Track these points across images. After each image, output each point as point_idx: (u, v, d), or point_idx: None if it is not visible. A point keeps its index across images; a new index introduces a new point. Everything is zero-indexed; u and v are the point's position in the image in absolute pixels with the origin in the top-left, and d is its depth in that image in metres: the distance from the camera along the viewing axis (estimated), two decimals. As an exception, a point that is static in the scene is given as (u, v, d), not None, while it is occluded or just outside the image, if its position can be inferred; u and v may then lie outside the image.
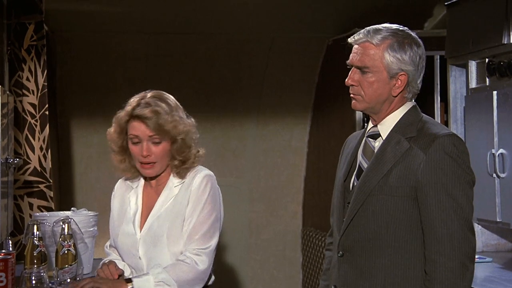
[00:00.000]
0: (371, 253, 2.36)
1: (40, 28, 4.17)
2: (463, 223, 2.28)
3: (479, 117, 3.96)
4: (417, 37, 2.42)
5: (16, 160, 3.62)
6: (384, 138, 2.41)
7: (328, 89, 5.78)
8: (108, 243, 2.99)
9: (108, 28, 5.41)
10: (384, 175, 2.34)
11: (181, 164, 2.79)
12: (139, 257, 2.78)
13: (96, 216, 3.59)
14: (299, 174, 6.14)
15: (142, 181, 2.89)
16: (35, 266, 2.89)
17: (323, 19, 5.49)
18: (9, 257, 2.83)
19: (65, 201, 5.48)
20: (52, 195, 4.17)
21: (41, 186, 4.14)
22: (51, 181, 4.18)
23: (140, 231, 2.80)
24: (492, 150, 3.81)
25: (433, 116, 4.97)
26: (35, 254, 2.93)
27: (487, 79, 3.96)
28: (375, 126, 2.45)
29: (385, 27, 2.41)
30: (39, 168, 4.14)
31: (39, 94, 4.15)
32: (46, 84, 4.18)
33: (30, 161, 4.12)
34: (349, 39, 2.43)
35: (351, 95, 2.43)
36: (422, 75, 2.43)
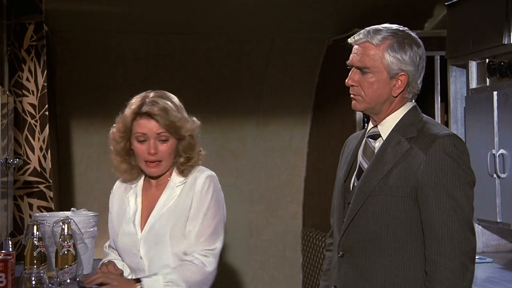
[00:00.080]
0: (371, 254, 2.35)
1: (40, 28, 4.17)
2: (464, 223, 2.27)
3: (480, 118, 3.96)
4: (417, 37, 2.42)
5: (16, 161, 3.62)
6: (384, 139, 2.41)
7: (328, 89, 5.78)
8: (107, 244, 3.00)
9: (108, 28, 5.41)
10: (384, 175, 2.34)
11: (186, 161, 2.80)
12: (140, 257, 2.78)
13: (96, 216, 3.58)
14: (299, 174, 6.13)
15: (141, 180, 2.89)
16: (35, 266, 2.88)
17: (323, 19, 5.49)
18: (9, 257, 2.83)
19: (65, 202, 5.48)
20: (52, 196, 4.17)
21: (41, 187, 4.14)
22: (51, 181, 4.18)
23: (141, 231, 2.79)
24: (493, 150, 3.81)
25: (433, 116, 4.97)
26: (35, 255, 2.92)
27: (487, 80, 3.96)
28: (375, 126, 2.45)
29: (385, 27, 2.41)
30: (39, 169, 4.14)
31: (39, 95, 4.15)
32: (46, 84, 4.17)
33: (30, 162, 4.12)
34: (349, 39, 2.43)
35: (351, 96, 2.43)
36: (422, 75, 2.43)
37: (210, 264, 2.72)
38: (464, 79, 4.29)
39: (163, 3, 5.11)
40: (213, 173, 2.83)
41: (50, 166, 4.17)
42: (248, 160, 6.06)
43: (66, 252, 2.94)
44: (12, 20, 4.12)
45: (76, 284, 2.90)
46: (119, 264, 2.84)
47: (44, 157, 4.14)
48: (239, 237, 5.97)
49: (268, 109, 5.99)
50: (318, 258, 5.66)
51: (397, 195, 2.32)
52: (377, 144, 2.43)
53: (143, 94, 2.82)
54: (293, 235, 6.13)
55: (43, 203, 4.13)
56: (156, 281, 2.67)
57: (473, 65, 4.11)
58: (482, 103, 3.94)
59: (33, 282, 2.77)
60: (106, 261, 2.86)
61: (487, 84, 3.96)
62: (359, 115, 5.15)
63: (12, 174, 3.77)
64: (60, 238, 2.97)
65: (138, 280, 2.69)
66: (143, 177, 2.89)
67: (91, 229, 3.53)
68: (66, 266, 2.92)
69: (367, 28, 2.42)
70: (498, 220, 3.80)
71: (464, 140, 3.61)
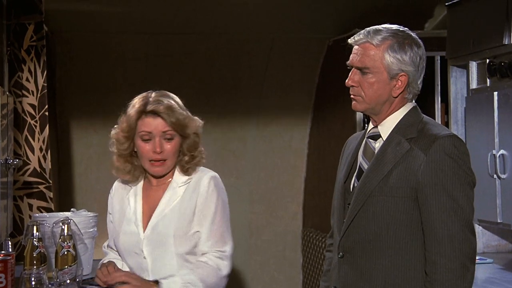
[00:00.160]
0: (371, 254, 2.35)
1: (40, 28, 4.17)
2: (464, 224, 2.27)
3: (480, 118, 3.96)
4: (417, 37, 2.41)
5: (16, 161, 3.62)
6: (384, 139, 2.40)
7: (328, 90, 5.78)
8: (106, 243, 2.99)
9: (108, 28, 5.41)
10: (385, 176, 2.34)
11: (190, 160, 2.80)
12: (144, 256, 2.77)
13: (96, 217, 3.58)
14: (299, 175, 6.13)
15: (141, 181, 2.89)
16: (35, 267, 2.88)
17: (323, 20, 5.48)
18: (9, 258, 2.83)
19: (64, 202, 5.48)
20: (51, 196, 4.17)
21: (41, 187, 4.14)
22: (51, 182, 4.18)
23: (143, 231, 2.79)
24: (493, 151, 3.81)
25: (433, 117, 4.96)
26: (34, 255, 2.92)
27: (487, 80, 3.95)
28: (376, 127, 2.45)
29: (385, 27, 2.41)
30: (38, 169, 4.13)
31: (38, 95, 4.14)
32: (45, 84, 4.17)
33: (29, 162, 4.12)
34: (349, 40, 2.43)
35: (352, 96, 2.43)
36: (422, 75, 2.42)
37: (225, 268, 2.75)
38: (465, 80, 4.29)
39: (163, 3, 5.11)
40: (216, 173, 2.84)
41: (50, 167, 4.17)
42: (248, 161, 6.06)
43: (66, 253, 2.93)
44: (12, 20, 4.12)
45: (76, 285, 2.90)
46: (119, 264, 2.84)
47: (44, 157, 4.14)
48: (239, 238, 5.95)
49: (268, 109, 5.99)
50: (318, 258, 5.66)
51: (397, 195, 2.32)
52: (377, 145, 2.43)
53: (144, 94, 2.82)
54: (293, 235, 6.12)
55: (43, 204, 4.13)
56: (175, 282, 2.68)
57: (473, 66, 4.10)
58: (482, 103, 3.93)
59: (33, 283, 2.77)
60: (106, 261, 2.86)
61: (488, 85, 3.96)
62: (359, 115, 5.15)
63: (12, 175, 3.77)
64: (60, 238, 2.97)
65: (156, 282, 2.69)
66: (143, 177, 2.89)
67: (91, 230, 3.52)
68: (66, 266, 2.92)
69: (367, 29, 2.41)
70: (499, 221, 3.80)
71: (464, 140, 3.62)
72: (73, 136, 5.71)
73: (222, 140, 5.94)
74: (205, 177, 2.80)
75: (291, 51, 5.81)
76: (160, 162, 2.77)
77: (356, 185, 2.42)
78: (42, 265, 2.91)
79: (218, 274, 2.73)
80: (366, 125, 2.57)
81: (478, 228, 4.11)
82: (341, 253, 2.42)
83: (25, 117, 4.12)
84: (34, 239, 2.94)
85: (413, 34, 2.42)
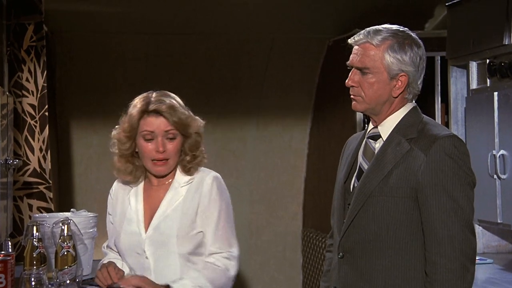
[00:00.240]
0: (371, 255, 2.35)
1: (40, 28, 4.17)
2: (464, 224, 2.27)
3: (480, 118, 3.96)
4: (417, 37, 2.41)
5: (16, 161, 3.61)
6: (384, 139, 2.40)
7: (328, 90, 5.78)
8: (105, 244, 2.99)
9: (108, 28, 5.41)
10: (385, 176, 2.33)
11: (192, 160, 2.80)
12: (146, 256, 2.77)
13: (96, 217, 3.58)
14: (299, 175, 6.13)
15: (142, 181, 2.88)
16: (35, 267, 2.88)
17: (323, 20, 5.48)
18: (9, 258, 2.83)
19: (64, 202, 5.47)
20: (51, 196, 4.16)
21: (41, 187, 4.14)
22: (51, 182, 4.18)
23: (145, 231, 2.78)
24: (493, 151, 3.80)
25: (433, 117, 4.96)
26: (34, 255, 2.92)
27: (488, 80, 3.95)
28: (376, 127, 2.44)
29: (385, 27, 2.41)
30: (38, 169, 4.13)
31: (38, 95, 4.14)
32: (45, 85, 4.17)
33: (29, 162, 4.12)
34: (349, 40, 2.43)
35: (352, 96, 2.42)
36: (422, 76, 2.42)
37: (233, 268, 2.78)
38: (465, 80, 4.29)
39: (163, 3, 5.10)
40: (218, 174, 2.85)
41: (49, 167, 4.17)
42: (248, 161, 6.06)
43: (65, 253, 2.93)
44: (12, 20, 4.12)
45: (75, 285, 2.90)
46: (118, 264, 2.84)
47: (44, 157, 4.14)
48: (239, 238, 5.91)
49: (268, 109, 5.99)
50: (318, 259, 5.66)
51: (397, 196, 2.32)
52: (377, 145, 2.43)
53: (145, 94, 2.82)
54: (293, 235, 6.12)
55: (43, 204, 4.13)
56: (185, 285, 2.68)
57: (473, 66, 4.10)
58: (482, 103, 3.93)
59: (33, 283, 2.77)
60: (106, 261, 2.85)
61: (488, 85, 3.96)
62: (359, 115, 5.15)
63: (12, 175, 3.77)
64: (59, 239, 2.97)
65: (167, 286, 2.69)
66: (143, 178, 2.89)
67: (91, 230, 3.52)
68: (66, 267, 2.92)
69: (367, 29, 2.41)
70: (499, 221, 3.80)
71: (464, 141, 3.62)
72: (73, 136, 5.71)
73: (222, 140, 5.94)
74: (207, 177, 2.80)
75: (291, 51, 5.80)
76: (162, 161, 2.77)
77: (356, 185, 2.42)
78: (42, 265, 2.91)
79: (226, 275, 2.75)
80: (366, 125, 2.57)
81: (478, 229, 4.10)
82: (341, 254, 2.41)
83: (25, 117, 4.12)
84: (34, 240, 2.94)
85: (413, 34, 2.42)
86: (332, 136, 5.65)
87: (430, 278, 2.28)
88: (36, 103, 4.14)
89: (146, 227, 2.80)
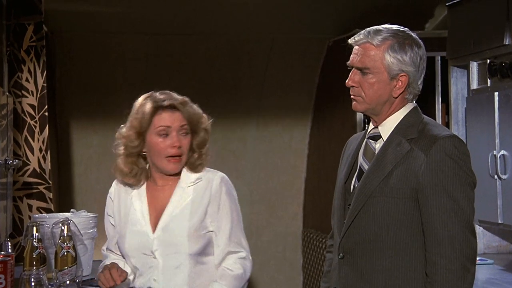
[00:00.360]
0: (371, 255, 2.35)
1: (40, 28, 4.16)
2: (464, 225, 2.27)
3: (481, 119, 3.96)
4: (417, 37, 2.41)
5: (16, 162, 3.61)
6: (385, 140, 2.40)
7: (328, 90, 5.77)
8: (104, 247, 2.95)
9: (108, 28, 5.40)
10: (385, 176, 2.33)
11: (200, 157, 2.80)
12: (154, 257, 2.75)
13: (96, 217, 3.57)
14: (299, 175, 6.12)
15: (144, 182, 2.86)
16: (34, 268, 2.88)
17: (323, 20, 5.48)
18: (8, 258, 2.82)
19: (64, 203, 5.47)
20: (51, 197, 4.16)
21: (41, 188, 4.13)
22: (51, 182, 4.17)
23: (153, 232, 2.77)
24: (494, 151, 3.80)
25: (434, 117, 4.96)
26: (34, 256, 2.92)
27: (488, 80, 3.95)
28: (376, 127, 2.44)
29: (385, 28, 2.40)
30: (38, 170, 4.13)
31: (38, 95, 4.14)
32: (45, 85, 4.17)
33: (29, 163, 4.11)
34: (349, 40, 2.42)
35: (352, 96, 2.42)
36: (423, 76, 2.42)
37: (249, 269, 2.81)
38: (465, 80, 4.29)
39: (163, 3, 5.10)
40: (224, 174, 2.85)
41: (49, 167, 4.16)
42: (248, 161, 6.06)
43: (65, 254, 2.93)
44: (12, 20, 4.11)
45: (75, 285, 2.89)
46: (121, 265, 2.81)
47: (44, 158, 4.13)
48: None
49: (268, 109, 5.98)
50: (319, 259, 5.65)
51: (398, 196, 2.32)
52: (378, 145, 2.42)
53: (148, 93, 2.80)
54: (294, 236, 6.12)
55: (43, 204, 4.13)
56: None
57: (474, 66, 4.10)
58: (483, 104, 3.93)
59: (33, 284, 2.76)
60: (109, 263, 2.79)
61: (488, 85, 3.95)
62: (359, 116, 5.14)
63: (12, 175, 3.76)
64: (59, 239, 2.97)
65: None
66: (145, 179, 2.86)
67: (91, 230, 3.52)
68: (66, 267, 2.92)
69: (368, 29, 2.41)
70: (499, 222, 3.80)
71: (465, 141, 3.61)
72: (73, 136, 5.70)
73: (222, 140, 5.93)
74: (216, 177, 2.81)
75: (291, 51, 5.80)
76: (177, 158, 2.74)
77: (356, 185, 2.41)
78: (42, 266, 2.91)
79: (243, 278, 2.78)
80: (367, 125, 2.56)
81: (478, 229, 4.10)
82: (341, 254, 2.41)
83: (24, 117, 4.12)
84: (34, 240, 2.94)
85: (414, 34, 2.41)
86: (332, 136, 5.65)
87: (430, 279, 2.28)
88: (36, 103, 4.13)
89: (153, 227, 2.78)
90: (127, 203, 2.84)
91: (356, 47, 2.40)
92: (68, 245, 2.95)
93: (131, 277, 2.80)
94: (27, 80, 4.13)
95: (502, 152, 3.75)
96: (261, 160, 6.07)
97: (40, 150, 4.13)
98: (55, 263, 2.95)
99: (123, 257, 2.86)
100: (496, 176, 3.79)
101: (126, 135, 2.77)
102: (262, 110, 5.98)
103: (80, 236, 3.33)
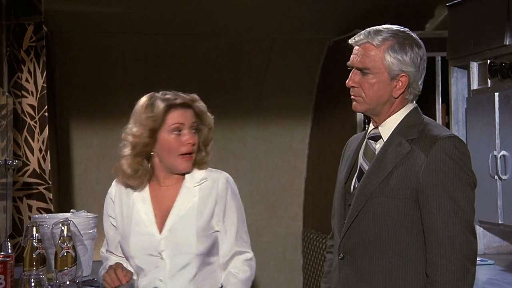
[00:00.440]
0: (372, 256, 2.34)
1: (40, 29, 4.16)
2: (465, 225, 2.26)
3: (481, 119, 3.95)
4: (418, 38, 2.41)
5: (15, 162, 3.60)
6: (385, 140, 2.40)
7: (329, 90, 5.77)
8: (103, 249, 2.92)
9: (108, 28, 5.40)
10: (385, 177, 2.33)
11: (206, 155, 2.82)
12: (161, 257, 2.74)
13: (96, 218, 3.57)
14: (299, 175, 6.12)
15: (146, 183, 2.84)
16: (34, 268, 2.88)
17: (324, 20, 5.48)
18: (8, 259, 2.82)
19: (64, 203, 5.47)
20: (51, 197, 4.16)
21: (40, 188, 4.13)
22: (50, 182, 4.17)
23: (160, 232, 2.76)
24: (494, 152, 3.80)
25: (434, 117, 4.96)
26: (34, 256, 2.92)
27: (488, 81, 3.95)
28: (376, 128, 2.44)
29: (385, 28, 2.40)
30: (38, 170, 4.13)
31: (38, 96, 4.14)
32: (45, 85, 4.17)
33: (29, 163, 4.11)
34: (349, 40, 2.42)
35: (352, 97, 2.42)
36: (423, 76, 2.41)
37: (253, 270, 2.90)
38: (465, 80, 4.29)
39: (163, 3, 5.10)
40: (228, 174, 2.86)
41: (49, 168, 4.16)
42: (248, 161, 6.05)
43: (65, 254, 2.93)
44: (12, 20, 4.11)
45: (75, 286, 2.89)
46: (125, 265, 2.79)
47: (44, 158, 4.13)
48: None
49: (269, 110, 5.98)
50: (319, 260, 5.65)
51: (398, 197, 2.31)
52: (378, 146, 2.42)
53: (151, 94, 2.79)
54: (294, 236, 6.11)
55: (43, 205, 4.12)
56: None
57: (474, 66, 4.10)
58: (483, 104, 3.93)
59: (33, 284, 2.75)
60: (113, 263, 2.73)
61: (489, 85, 3.95)
62: (359, 116, 5.14)
63: (11, 176, 3.76)
64: (59, 239, 2.96)
65: None
66: (147, 180, 2.84)
67: (91, 231, 3.52)
68: (66, 268, 2.91)
69: (368, 29, 2.40)
70: (500, 222, 3.79)
71: (465, 141, 3.61)
72: (72, 137, 5.70)
73: (222, 141, 5.93)
74: (221, 177, 2.81)
75: (291, 52, 5.80)
76: (189, 156, 2.75)
77: (356, 186, 2.41)
78: (42, 266, 2.90)
79: (250, 279, 2.86)
80: (367, 126, 2.56)
81: (479, 229, 4.10)
82: (341, 255, 2.41)
83: (24, 117, 4.12)
84: (34, 240, 2.93)
85: (414, 35, 2.41)
86: (333, 137, 5.65)
87: (430, 279, 2.27)
88: (35, 104, 4.13)
89: (159, 228, 2.76)
90: (129, 203, 2.81)
91: (356, 47, 2.40)
92: (68, 245, 2.94)
93: (134, 277, 2.79)
94: (27, 80, 4.13)
95: (503, 152, 3.75)
96: (261, 160, 6.07)
97: (40, 150, 4.13)
98: (55, 263, 2.95)
99: (126, 259, 2.83)
100: (496, 177, 3.79)
101: (139, 134, 2.72)
102: (262, 110, 5.98)
103: (80, 237, 3.33)
